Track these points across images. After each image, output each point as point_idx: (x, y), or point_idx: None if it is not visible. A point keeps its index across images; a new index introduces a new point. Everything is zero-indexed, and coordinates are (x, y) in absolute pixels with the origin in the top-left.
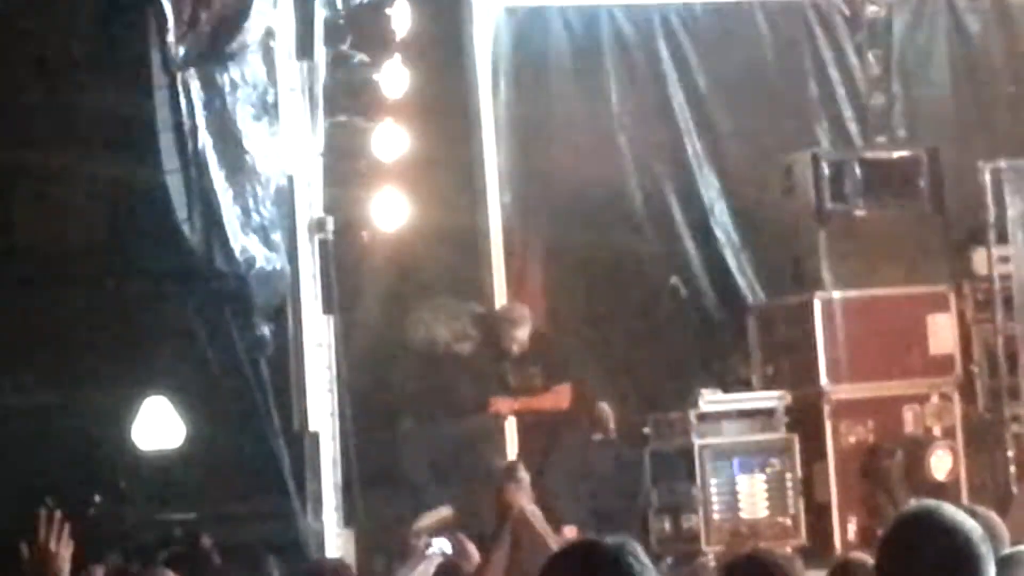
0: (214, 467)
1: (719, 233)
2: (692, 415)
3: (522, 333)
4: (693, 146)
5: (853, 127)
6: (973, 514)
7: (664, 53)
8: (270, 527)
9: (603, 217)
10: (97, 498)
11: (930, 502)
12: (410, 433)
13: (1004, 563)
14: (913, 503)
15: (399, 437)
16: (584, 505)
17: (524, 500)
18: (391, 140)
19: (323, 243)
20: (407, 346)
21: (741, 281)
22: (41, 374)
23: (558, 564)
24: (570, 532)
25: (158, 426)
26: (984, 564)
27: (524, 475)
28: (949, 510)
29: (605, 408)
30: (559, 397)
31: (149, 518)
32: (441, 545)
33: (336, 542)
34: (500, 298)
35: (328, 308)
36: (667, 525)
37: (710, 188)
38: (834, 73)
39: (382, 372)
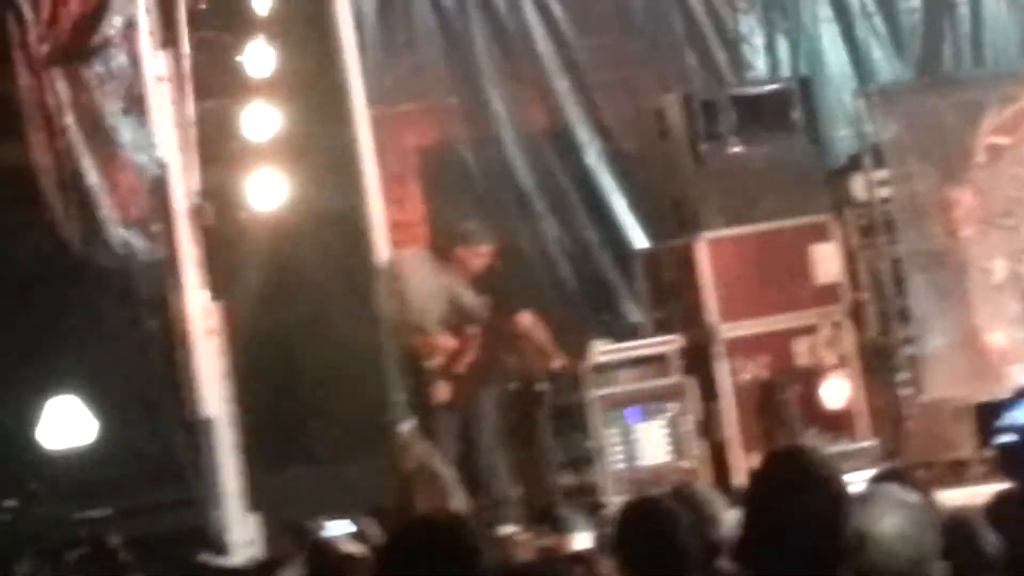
0: (119, 462)
1: (600, 182)
2: (585, 367)
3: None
4: (566, 97)
5: (723, 63)
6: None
7: (528, 4)
8: (178, 518)
9: (481, 179)
10: (11, 502)
11: (794, 446)
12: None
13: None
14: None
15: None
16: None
17: None
18: (262, 120)
19: (203, 229)
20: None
21: (625, 229)
22: None
23: (399, 541)
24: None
25: (64, 425)
26: (847, 505)
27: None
28: (816, 452)
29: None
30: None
31: (60, 518)
32: (336, 528)
33: (242, 528)
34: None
35: (214, 295)
36: (570, 479)
37: (587, 137)
38: (700, 9)
39: (274, 353)
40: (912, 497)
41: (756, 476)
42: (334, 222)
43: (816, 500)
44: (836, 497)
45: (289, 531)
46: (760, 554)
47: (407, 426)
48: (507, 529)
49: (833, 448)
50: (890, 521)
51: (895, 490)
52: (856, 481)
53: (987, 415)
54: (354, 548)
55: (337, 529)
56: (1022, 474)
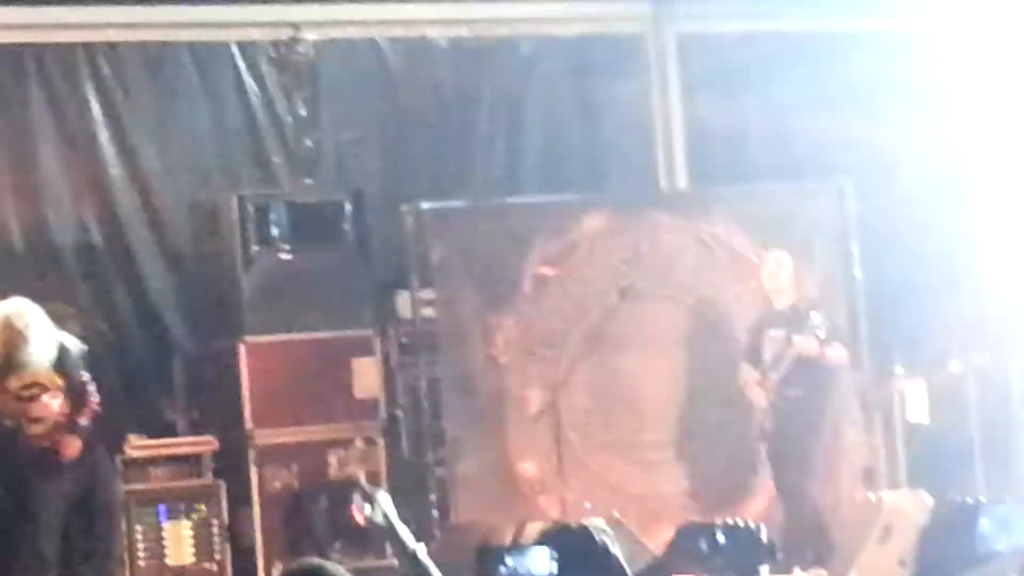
0: None
1: (148, 277)
2: (118, 461)
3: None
4: (119, 185)
5: (281, 169)
6: None
7: (91, 92)
8: None
9: (29, 264)
10: None
11: (313, 561)
12: None
13: None
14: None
15: None
16: None
17: None
18: None
19: None
20: None
21: (170, 326)
22: None
23: None
24: None
25: None
26: None
27: None
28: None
29: None
30: None
31: None
32: None
33: None
34: None
35: None
36: (92, 573)
37: (139, 231)
38: (261, 114)
39: None
40: None
41: None
42: None
43: None
44: None
45: None
46: None
47: None
48: None
49: (359, 564)
50: None
51: None
52: None
53: (489, 558)
54: None
55: None
56: None
